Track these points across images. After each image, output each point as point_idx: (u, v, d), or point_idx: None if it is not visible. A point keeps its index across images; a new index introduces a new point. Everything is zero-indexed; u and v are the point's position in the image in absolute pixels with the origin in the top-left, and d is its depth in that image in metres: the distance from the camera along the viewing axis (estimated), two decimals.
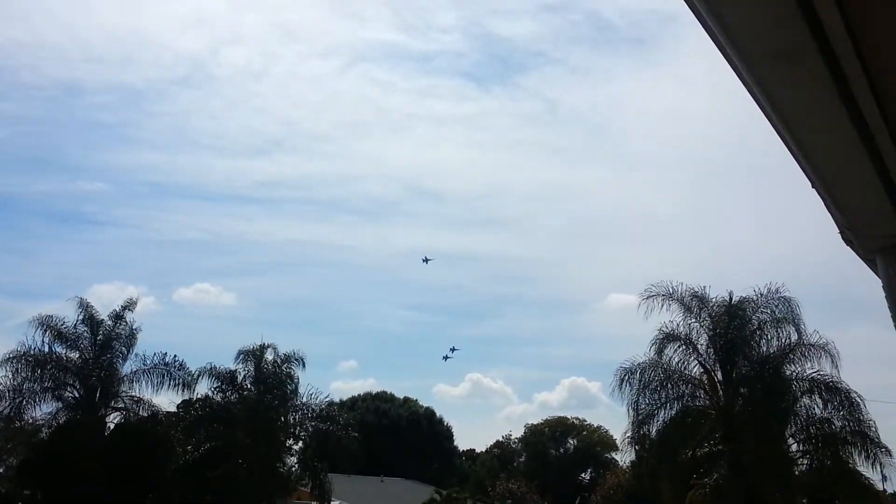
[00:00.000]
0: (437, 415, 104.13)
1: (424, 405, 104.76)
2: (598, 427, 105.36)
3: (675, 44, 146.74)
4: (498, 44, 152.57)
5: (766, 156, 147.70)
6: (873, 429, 38.25)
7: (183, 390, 45.89)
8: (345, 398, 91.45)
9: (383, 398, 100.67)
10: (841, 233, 3.01)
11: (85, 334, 45.39)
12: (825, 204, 2.63)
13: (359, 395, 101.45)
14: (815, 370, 38.68)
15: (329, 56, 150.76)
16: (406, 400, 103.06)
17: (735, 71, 2.01)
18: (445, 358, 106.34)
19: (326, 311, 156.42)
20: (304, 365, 47.36)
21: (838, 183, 2.20)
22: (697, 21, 1.94)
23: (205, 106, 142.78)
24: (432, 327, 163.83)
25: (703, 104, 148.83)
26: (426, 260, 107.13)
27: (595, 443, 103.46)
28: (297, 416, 47.60)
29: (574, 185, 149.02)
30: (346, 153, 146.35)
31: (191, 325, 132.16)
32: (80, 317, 45.52)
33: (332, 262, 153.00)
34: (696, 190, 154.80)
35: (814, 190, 2.59)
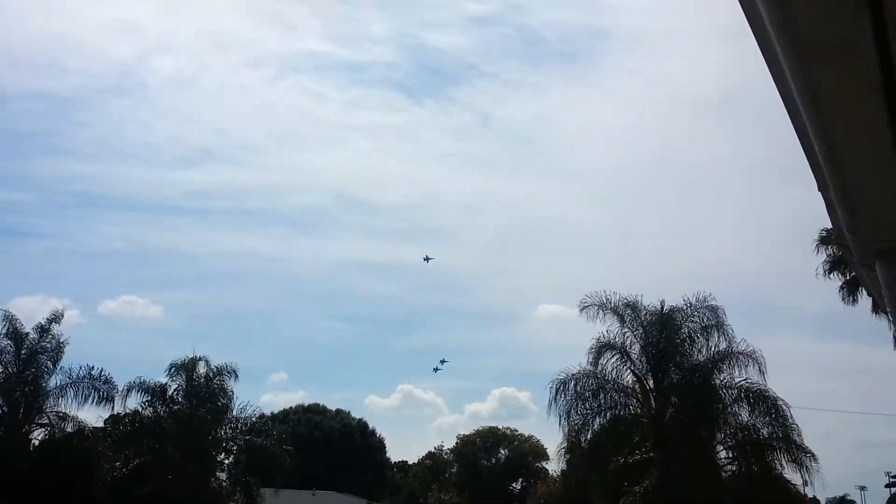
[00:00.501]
0: (370, 427, 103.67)
1: (357, 417, 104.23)
2: (530, 437, 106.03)
3: (605, 59, 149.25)
4: (430, 56, 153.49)
5: (692, 169, 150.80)
6: (798, 434, 39.13)
7: (109, 405, 44.74)
8: (276, 411, 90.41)
9: (315, 410, 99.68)
10: (836, 237, 3.07)
11: (8, 348, 44.02)
12: (831, 207, 2.68)
13: (290, 408, 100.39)
14: (743, 378, 39.53)
15: (260, 66, 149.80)
16: (339, 412, 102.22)
17: (770, 67, 2.03)
18: (436, 370, 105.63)
19: (256, 324, 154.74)
20: (237, 377, 46.72)
21: (858, 184, 2.24)
22: (742, 11, 1.97)
23: (133, 115, 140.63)
24: (363, 338, 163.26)
25: (632, 119, 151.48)
26: (427, 259, 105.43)
27: (526, 452, 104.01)
28: (229, 431, 46.87)
29: (505, 197, 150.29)
30: (278, 163, 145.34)
31: (117, 339, 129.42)
32: (4, 330, 44.20)
33: (262, 273, 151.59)
34: (623, 202, 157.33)
35: (820, 193, 2.63)
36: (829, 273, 52.69)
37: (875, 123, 2.00)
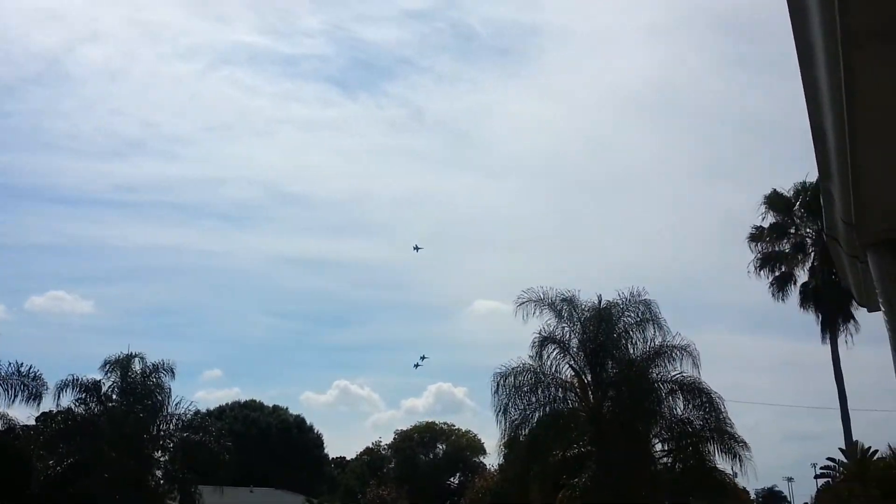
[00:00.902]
0: (308, 423, 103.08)
1: (294, 413, 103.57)
2: (467, 431, 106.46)
3: (538, 55, 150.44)
4: (363, 49, 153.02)
5: (626, 166, 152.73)
6: (731, 426, 39.98)
7: (40, 402, 43.73)
8: (211, 408, 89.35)
9: (252, 407, 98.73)
10: (828, 229, 3.20)
11: None
12: (828, 198, 2.79)
13: (226, 405, 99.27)
14: (678, 372, 40.16)
15: (191, 57, 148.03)
16: (276, 408, 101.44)
17: (801, 52, 2.12)
18: (416, 366, 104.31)
19: (189, 319, 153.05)
20: (173, 374, 46.10)
21: (870, 175, 2.36)
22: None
23: (59, 106, 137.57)
24: (298, 334, 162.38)
25: (565, 114, 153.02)
26: (417, 248, 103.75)
27: (464, 447, 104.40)
28: (165, 427, 46.21)
29: (440, 192, 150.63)
30: (210, 156, 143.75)
31: (46, 335, 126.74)
32: None
33: (194, 268, 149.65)
34: (558, 198, 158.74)
35: (820, 185, 2.73)
36: (760, 270, 54.00)
37: None
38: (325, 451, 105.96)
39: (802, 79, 2.13)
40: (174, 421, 46.47)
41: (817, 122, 2.28)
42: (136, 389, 45.15)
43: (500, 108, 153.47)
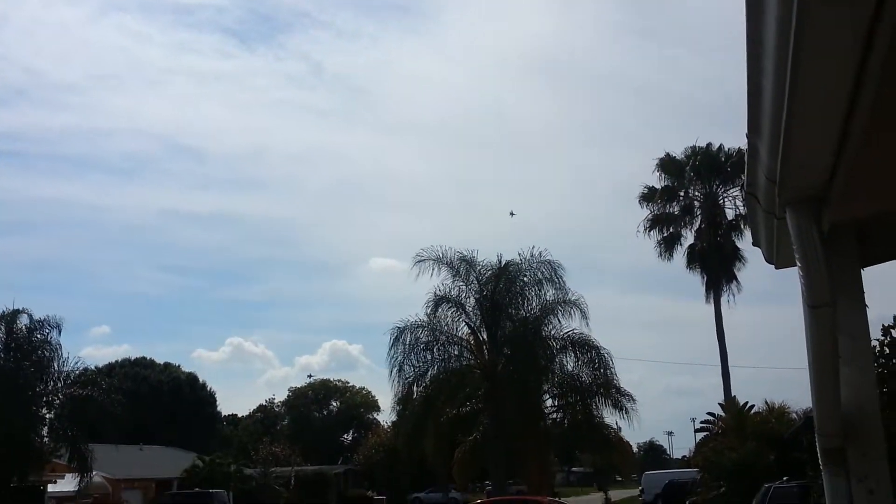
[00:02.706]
0: (200, 380, 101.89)
1: (187, 370, 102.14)
2: (361, 389, 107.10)
3: (438, 13, 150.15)
4: (262, 1, 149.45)
5: (523, 128, 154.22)
6: (618, 380, 41.33)
7: None
8: (99, 365, 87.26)
9: (142, 364, 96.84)
10: (749, 186, 3.41)
11: None
12: (754, 154, 2.97)
13: (116, 362, 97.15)
14: (570, 329, 41.16)
15: (78, 2, 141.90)
16: (167, 366, 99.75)
17: (749, 11, 2.16)
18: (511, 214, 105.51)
19: (76, 275, 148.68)
20: (60, 330, 44.73)
21: (801, 133, 2.51)
22: None
23: None
24: (191, 291, 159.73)
25: (465, 74, 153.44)
26: (512, 213, 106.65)
27: (358, 404, 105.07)
28: (53, 385, 44.90)
29: (337, 149, 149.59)
30: (98, 106, 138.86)
31: None
32: None
33: (82, 221, 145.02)
34: (457, 157, 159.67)
35: (747, 137, 2.89)
36: (649, 231, 55.54)
37: (843, 75, 2.26)
38: (218, 408, 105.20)
39: (748, 35, 2.27)
40: (62, 378, 45.19)
41: (756, 78, 2.45)
42: (22, 345, 43.74)
43: (399, 66, 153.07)
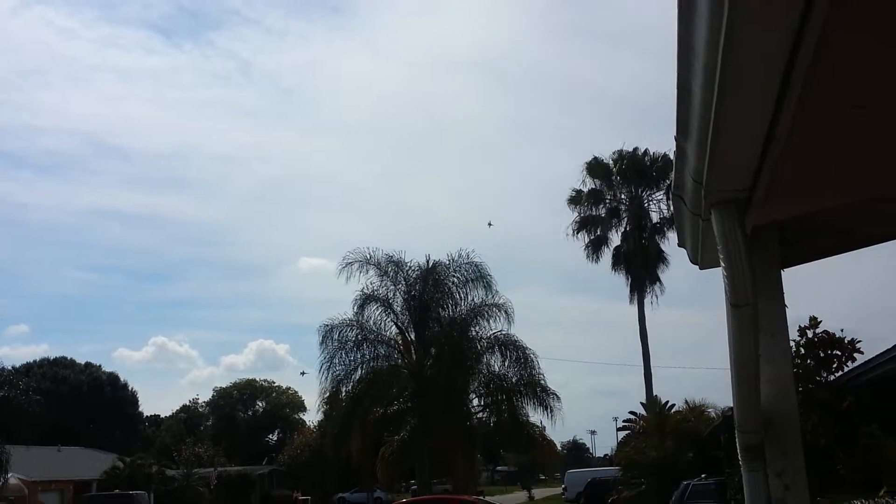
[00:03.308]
0: (122, 380, 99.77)
1: (108, 370, 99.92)
2: (288, 388, 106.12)
3: (368, 12, 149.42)
4: None
5: (454, 128, 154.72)
6: (543, 380, 41.78)
7: None
8: (17, 365, 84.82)
9: (62, 364, 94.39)
10: (675, 188, 3.47)
11: None
12: (681, 156, 3.03)
13: (34, 361, 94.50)
14: (496, 330, 41.53)
15: None
16: (88, 365, 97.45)
17: (680, 14, 2.19)
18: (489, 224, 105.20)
19: None
20: None
21: (729, 134, 2.55)
22: None
23: None
24: (114, 290, 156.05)
25: (395, 74, 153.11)
26: (490, 224, 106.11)
27: (284, 404, 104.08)
28: None
29: (266, 149, 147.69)
30: (20, 103, 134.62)
31: None
32: None
33: (4, 219, 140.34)
34: (387, 158, 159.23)
35: (675, 139, 2.94)
36: (577, 233, 56.20)
37: (770, 78, 2.31)
38: (140, 408, 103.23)
39: (679, 37, 2.30)
40: None
41: (685, 81, 2.49)
42: None
43: (328, 65, 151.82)
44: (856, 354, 18.42)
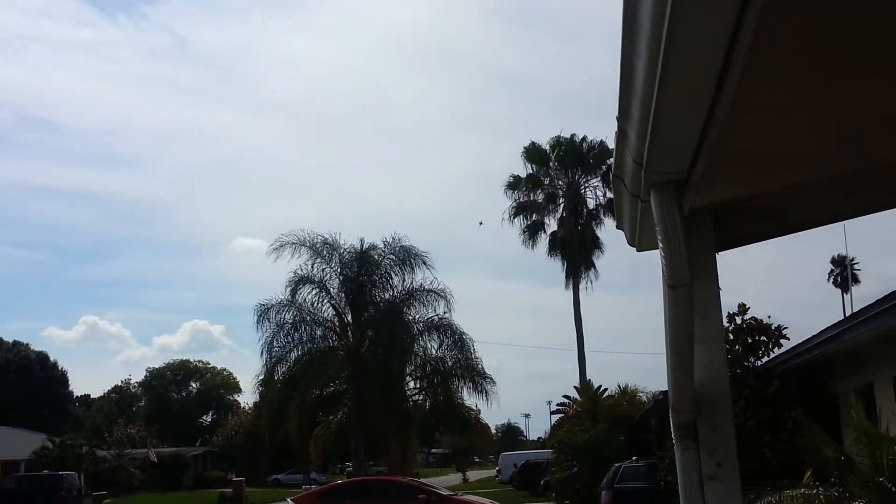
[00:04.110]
0: (52, 359, 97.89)
1: (37, 349, 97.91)
2: (222, 370, 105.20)
3: None
4: None
5: (394, 112, 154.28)
6: (480, 364, 42.11)
7: None
8: None
9: None
10: (616, 169, 3.50)
11: None
12: (623, 137, 3.05)
13: None
14: (433, 313, 41.76)
15: None
16: (15, 344, 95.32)
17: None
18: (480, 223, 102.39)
19: None
20: None
21: (670, 116, 2.58)
22: None
23: None
24: (42, 267, 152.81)
25: (335, 55, 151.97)
26: (481, 223, 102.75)
27: (218, 385, 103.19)
28: None
29: (202, 127, 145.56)
30: None
31: None
32: None
33: None
34: (323, 139, 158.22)
35: (617, 121, 2.96)
36: (514, 218, 56.55)
37: (713, 55, 2.33)
38: (70, 388, 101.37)
39: (624, 14, 2.32)
40: None
41: (629, 59, 2.52)
42: None
43: (267, 43, 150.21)
44: (782, 341, 18.97)
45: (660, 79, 2.30)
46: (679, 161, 2.96)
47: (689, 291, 3.23)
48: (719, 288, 3.95)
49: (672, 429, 4.02)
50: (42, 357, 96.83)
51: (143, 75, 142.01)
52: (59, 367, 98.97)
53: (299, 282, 41.09)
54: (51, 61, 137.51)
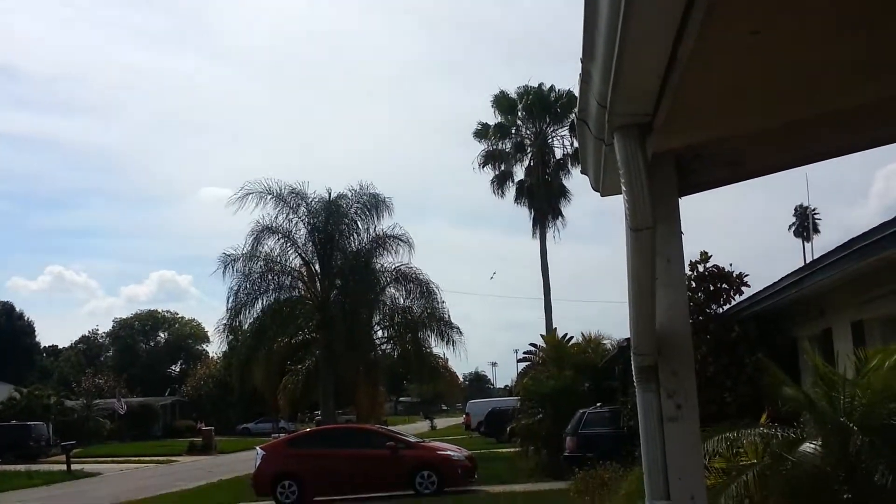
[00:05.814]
0: (17, 309, 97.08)
1: (2, 300, 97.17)
2: (191, 320, 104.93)
3: None
4: None
5: (360, 60, 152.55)
6: (446, 313, 42.38)
7: None
8: None
9: None
10: (580, 112, 3.51)
11: None
12: (587, 79, 3.06)
13: None
14: (400, 262, 41.81)
15: None
16: None
17: None
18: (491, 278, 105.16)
19: None
20: None
21: (630, 59, 2.59)
22: None
23: None
24: (4, 217, 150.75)
25: (300, 2, 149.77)
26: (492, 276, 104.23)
27: (186, 335, 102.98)
28: None
29: (166, 74, 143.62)
30: None
31: None
32: None
33: None
34: (290, 87, 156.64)
35: (581, 62, 2.96)
36: (483, 167, 56.53)
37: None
38: (37, 339, 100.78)
39: None
40: None
41: (593, 3, 2.53)
42: None
43: None
44: (743, 289, 19.23)
45: (623, 16, 2.30)
46: (643, 104, 2.98)
47: (652, 235, 3.27)
48: (682, 232, 4.00)
49: (633, 372, 4.08)
50: (8, 307, 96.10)
51: (106, 20, 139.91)
52: (26, 318, 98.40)
53: (262, 231, 40.67)
54: (7, 4, 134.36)
